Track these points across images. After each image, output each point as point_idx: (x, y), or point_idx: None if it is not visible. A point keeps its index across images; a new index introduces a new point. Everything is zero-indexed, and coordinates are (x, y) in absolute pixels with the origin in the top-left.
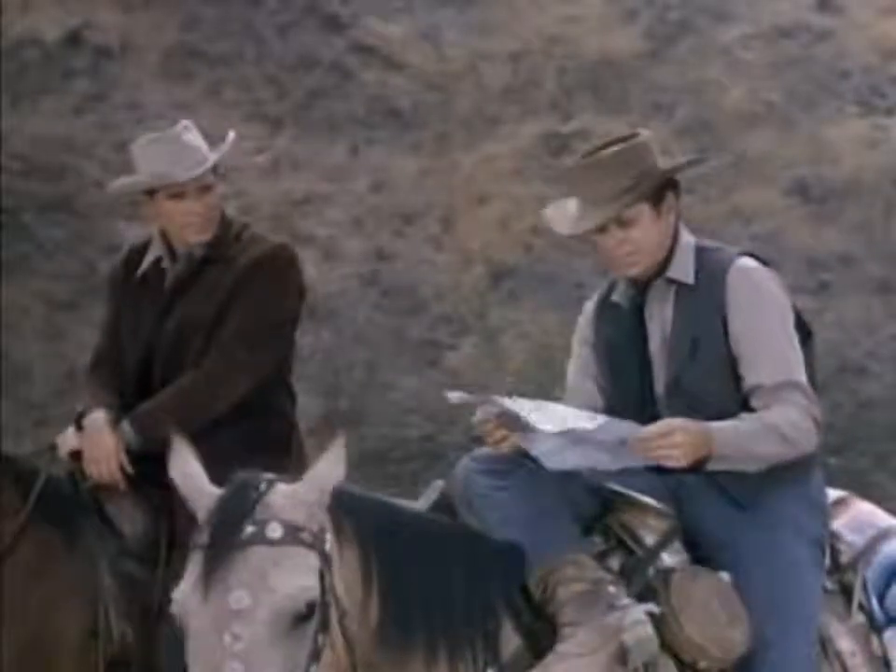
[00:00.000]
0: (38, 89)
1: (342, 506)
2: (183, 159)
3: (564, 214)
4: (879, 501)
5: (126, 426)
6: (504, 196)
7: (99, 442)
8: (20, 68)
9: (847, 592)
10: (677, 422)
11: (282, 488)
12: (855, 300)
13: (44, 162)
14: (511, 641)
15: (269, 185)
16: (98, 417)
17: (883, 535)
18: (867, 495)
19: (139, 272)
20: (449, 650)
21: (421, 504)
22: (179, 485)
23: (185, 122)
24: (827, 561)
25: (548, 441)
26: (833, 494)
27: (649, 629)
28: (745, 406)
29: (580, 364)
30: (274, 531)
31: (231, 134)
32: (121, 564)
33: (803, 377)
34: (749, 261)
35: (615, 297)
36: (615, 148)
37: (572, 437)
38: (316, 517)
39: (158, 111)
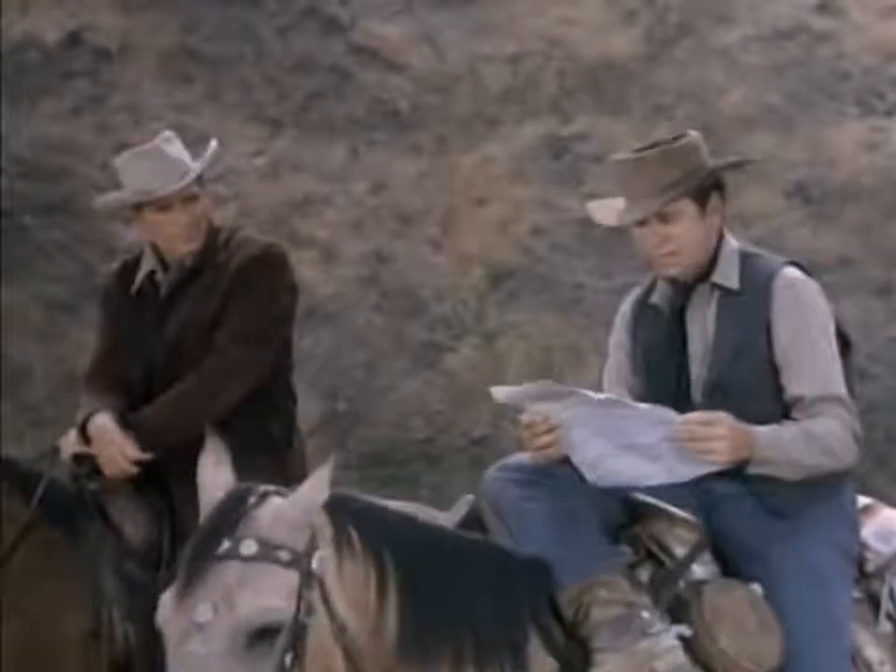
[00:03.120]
0: (37, 90)
1: (353, 518)
2: (166, 172)
3: (609, 208)
4: None
5: (127, 431)
6: (504, 198)
7: (110, 442)
8: (19, 70)
9: (873, 600)
10: (721, 414)
11: (272, 502)
12: (854, 302)
13: (43, 164)
14: (542, 661)
15: (268, 186)
16: (103, 420)
17: None
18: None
19: (134, 287)
20: (476, 660)
21: (449, 518)
22: (200, 490)
23: (166, 134)
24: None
25: (592, 447)
26: (860, 501)
27: (681, 656)
28: (785, 416)
29: (613, 369)
30: (249, 548)
31: (214, 143)
32: (124, 565)
33: (843, 390)
34: (795, 271)
35: (654, 299)
36: (662, 147)
37: (617, 442)
38: (301, 536)
39: (157, 113)
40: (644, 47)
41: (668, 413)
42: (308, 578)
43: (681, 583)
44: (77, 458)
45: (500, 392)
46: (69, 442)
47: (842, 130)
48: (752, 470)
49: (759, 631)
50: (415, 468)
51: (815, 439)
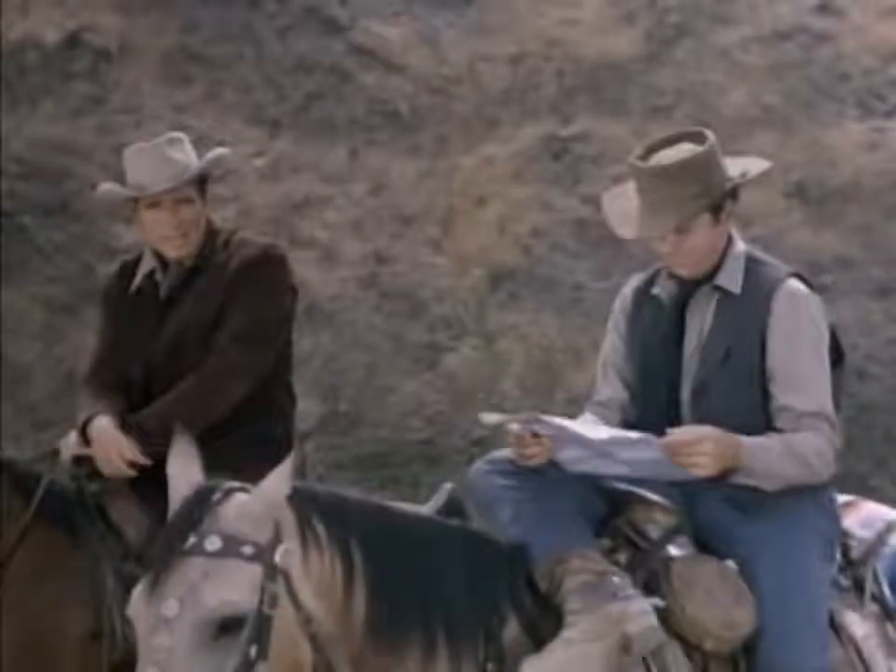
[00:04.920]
0: (37, 91)
1: (317, 509)
2: (160, 171)
3: (623, 211)
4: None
5: (127, 432)
6: (503, 198)
7: (108, 442)
8: (19, 71)
9: (860, 587)
10: (707, 429)
11: (237, 498)
12: (854, 302)
13: (43, 165)
14: (518, 642)
15: (268, 187)
16: (103, 422)
17: (891, 527)
18: (866, 498)
19: (133, 286)
20: (449, 644)
21: (429, 507)
22: (169, 486)
23: (176, 134)
24: (839, 558)
25: (575, 452)
26: (842, 498)
27: (652, 619)
28: (766, 424)
29: (607, 352)
30: (213, 543)
31: (218, 150)
32: (125, 566)
33: (831, 408)
34: (798, 284)
35: (656, 290)
36: (685, 157)
37: (600, 450)
38: (264, 530)
39: (157, 114)
40: (644, 47)
41: (651, 438)
42: (271, 571)
43: (655, 562)
44: (78, 460)
45: (490, 418)
46: (69, 444)
47: (842, 130)
48: (734, 480)
49: (729, 599)
50: (415, 468)
51: (798, 455)
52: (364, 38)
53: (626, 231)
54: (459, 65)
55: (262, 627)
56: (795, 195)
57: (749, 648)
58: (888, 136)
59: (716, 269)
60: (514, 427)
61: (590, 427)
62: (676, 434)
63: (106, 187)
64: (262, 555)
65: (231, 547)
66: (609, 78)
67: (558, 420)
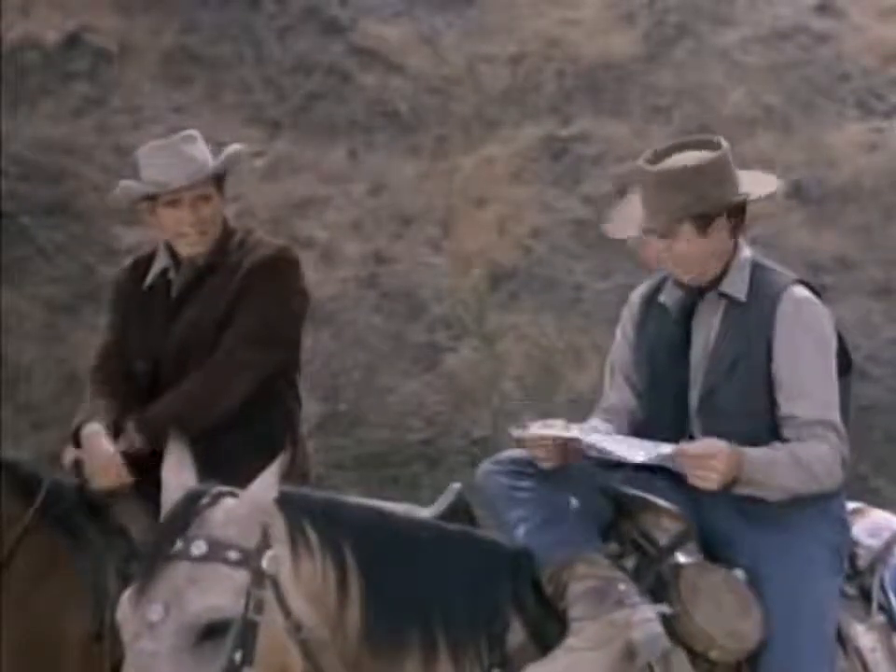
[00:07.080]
0: (37, 92)
1: (308, 514)
2: (177, 167)
3: (623, 214)
4: (879, 506)
5: (131, 428)
6: (503, 199)
7: (98, 453)
8: (19, 71)
9: (867, 596)
10: (721, 445)
11: (225, 503)
12: (854, 303)
13: (43, 166)
14: (524, 649)
15: (268, 188)
16: (93, 429)
17: None
18: (866, 500)
19: (146, 283)
20: (451, 649)
21: (436, 507)
22: (162, 490)
23: (190, 132)
24: (846, 566)
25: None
26: (850, 505)
27: (658, 627)
28: (775, 431)
29: (616, 357)
30: (199, 548)
31: (234, 147)
32: (128, 567)
33: (837, 416)
34: (803, 291)
35: (663, 297)
36: (680, 166)
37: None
38: (252, 535)
39: (157, 114)
40: (643, 48)
41: (666, 447)
42: (258, 576)
43: (663, 568)
44: (77, 463)
45: (519, 433)
46: (68, 451)
47: (841, 131)
48: (738, 490)
49: (737, 610)
50: (415, 468)
51: (802, 465)
52: (364, 38)
53: (612, 229)
54: (459, 65)
55: (248, 633)
56: (795, 195)
57: (755, 657)
58: (888, 136)
59: (721, 276)
60: (530, 431)
61: (626, 448)
62: (691, 446)
63: (125, 184)
64: (248, 560)
65: (217, 552)
66: (608, 78)
67: (596, 440)
